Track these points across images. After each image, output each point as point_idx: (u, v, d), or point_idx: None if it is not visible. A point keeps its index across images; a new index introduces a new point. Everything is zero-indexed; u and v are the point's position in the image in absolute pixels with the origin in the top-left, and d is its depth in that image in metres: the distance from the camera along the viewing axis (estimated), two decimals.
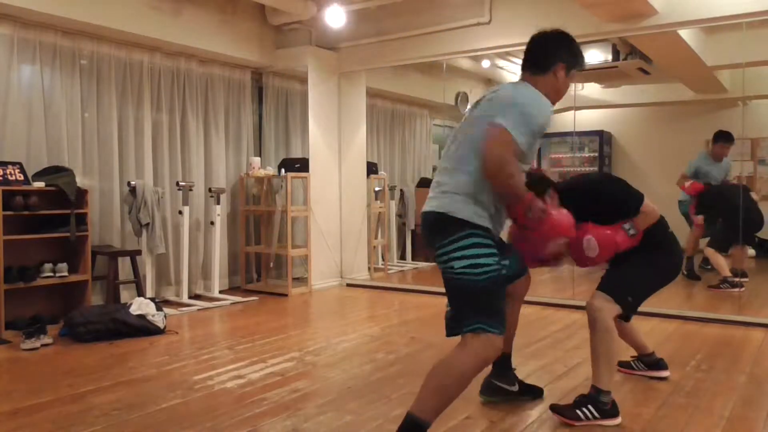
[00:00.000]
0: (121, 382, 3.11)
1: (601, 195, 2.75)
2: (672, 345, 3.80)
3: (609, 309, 2.56)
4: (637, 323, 3.14)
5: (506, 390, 2.79)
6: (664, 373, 3.06)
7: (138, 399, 2.84)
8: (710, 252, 5.61)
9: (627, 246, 2.62)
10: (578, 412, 2.49)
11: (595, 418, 2.47)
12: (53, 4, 4.30)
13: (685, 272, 6.07)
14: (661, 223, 2.76)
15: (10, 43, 4.39)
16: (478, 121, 2.18)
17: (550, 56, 2.30)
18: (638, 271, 2.68)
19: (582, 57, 2.40)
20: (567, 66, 2.32)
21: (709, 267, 5.81)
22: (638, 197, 2.71)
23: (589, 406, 2.49)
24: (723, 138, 5.80)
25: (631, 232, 2.62)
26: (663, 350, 3.63)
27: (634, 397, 2.83)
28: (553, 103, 2.29)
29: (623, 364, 3.14)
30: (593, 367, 2.54)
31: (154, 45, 5.20)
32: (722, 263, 5.54)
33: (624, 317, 2.80)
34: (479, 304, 2.10)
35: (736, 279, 5.50)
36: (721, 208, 5.59)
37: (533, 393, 2.85)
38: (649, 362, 3.09)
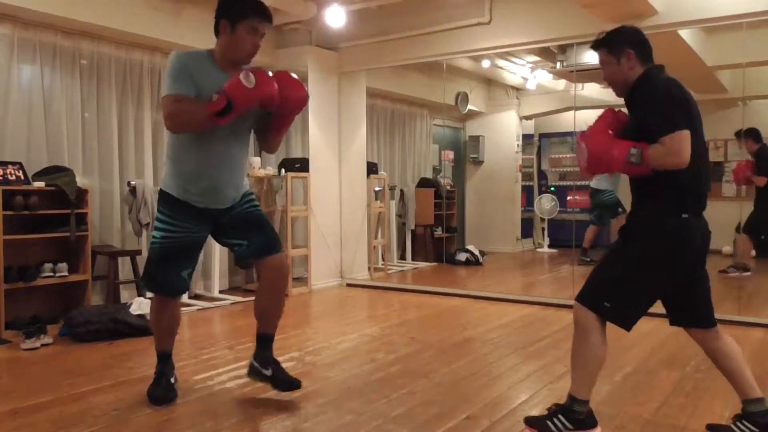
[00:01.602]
0: (121, 382, 3.11)
1: (641, 98, 2.25)
2: (672, 345, 3.80)
3: (588, 316, 2.25)
4: (740, 341, 2.40)
5: (260, 372, 2.75)
6: None
7: (138, 399, 2.84)
8: (743, 238, 5.69)
9: (620, 169, 2.19)
10: (549, 423, 2.28)
11: (567, 429, 2.26)
12: (53, 4, 4.30)
13: (579, 261, 6.31)
14: (685, 183, 2.17)
15: (10, 43, 4.39)
16: None
17: (215, 19, 2.55)
18: (615, 267, 2.29)
19: (246, 6, 2.50)
20: (229, 21, 2.50)
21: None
22: (672, 123, 2.10)
23: (560, 416, 2.28)
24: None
25: (633, 159, 2.14)
26: (663, 350, 3.64)
27: (634, 397, 2.83)
28: (238, 59, 2.51)
29: (716, 429, 2.39)
30: (572, 373, 2.32)
31: (154, 45, 5.19)
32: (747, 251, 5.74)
33: (623, 328, 2.27)
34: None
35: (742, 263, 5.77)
36: None
37: (284, 384, 2.75)
38: (763, 421, 2.22)
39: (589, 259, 6.88)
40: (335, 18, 5.50)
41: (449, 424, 2.53)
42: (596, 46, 2.41)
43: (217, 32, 2.55)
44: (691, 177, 2.17)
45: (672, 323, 2.41)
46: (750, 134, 5.85)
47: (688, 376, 3.14)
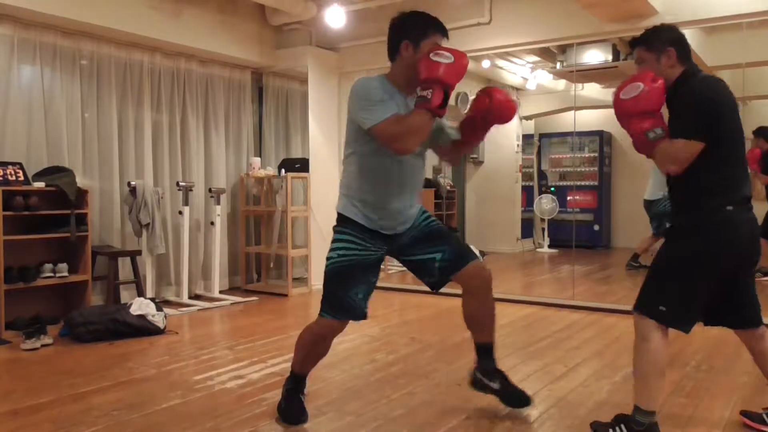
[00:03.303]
0: (121, 382, 3.11)
1: (682, 96, 2.23)
2: (672, 345, 3.79)
3: (646, 323, 2.23)
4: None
5: (487, 386, 2.64)
6: None
7: (138, 399, 2.84)
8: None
9: (634, 134, 2.23)
10: (611, 430, 2.28)
11: None
12: (53, 4, 4.30)
13: (627, 266, 6.34)
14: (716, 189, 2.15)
15: (10, 43, 4.39)
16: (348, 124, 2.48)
17: (392, 41, 2.45)
18: (666, 270, 2.23)
19: (427, 23, 2.45)
20: (412, 41, 2.39)
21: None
22: (693, 130, 2.12)
23: (623, 425, 2.25)
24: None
25: (651, 135, 2.18)
26: None
27: None
28: (421, 80, 2.30)
29: (750, 416, 2.45)
30: (634, 383, 2.27)
31: (154, 45, 5.19)
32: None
33: (682, 330, 2.26)
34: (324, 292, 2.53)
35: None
36: None
37: (515, 399, 2.64)
38: None
39: (638, 265, 6.60)
40: (335, 18, 5.50)
41: (449, 424, 2.53)
42: (635, 43, 2.41)
43: (394, 54, 2.45)
44: (722, 177, 2.17)
45: (708, 323, 2.37)
46: (761, 133, 5.78)
47: (689, 376, 3.14)
